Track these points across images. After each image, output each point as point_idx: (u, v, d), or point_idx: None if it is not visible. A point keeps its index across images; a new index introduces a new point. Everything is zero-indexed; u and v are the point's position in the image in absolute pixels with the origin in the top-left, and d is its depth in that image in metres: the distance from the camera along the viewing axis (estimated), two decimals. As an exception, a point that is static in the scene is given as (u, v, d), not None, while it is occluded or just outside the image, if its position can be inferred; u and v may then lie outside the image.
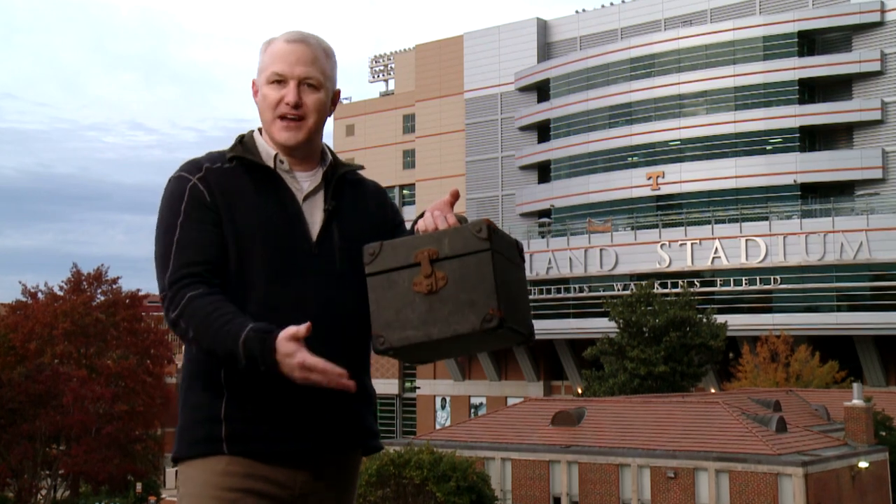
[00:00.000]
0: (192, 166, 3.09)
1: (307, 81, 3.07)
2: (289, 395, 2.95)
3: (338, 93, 3.20)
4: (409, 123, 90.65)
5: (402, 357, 2.92)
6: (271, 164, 3.10)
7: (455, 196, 2.93)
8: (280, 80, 3.06)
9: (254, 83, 3.15)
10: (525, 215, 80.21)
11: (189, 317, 2.89)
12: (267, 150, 3.12)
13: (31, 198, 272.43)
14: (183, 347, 3.12)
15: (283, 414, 2.97)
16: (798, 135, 67.32)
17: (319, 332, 2.90)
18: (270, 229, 3.01)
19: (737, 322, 61.93)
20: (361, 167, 3.30)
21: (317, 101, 3.08)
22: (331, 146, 3.36)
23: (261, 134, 3.17)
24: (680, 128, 70.54)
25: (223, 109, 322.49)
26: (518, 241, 2.98)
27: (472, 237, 2.77)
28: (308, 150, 3.14)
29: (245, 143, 3.14)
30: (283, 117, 3.07)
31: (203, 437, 2.99)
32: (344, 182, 3.19)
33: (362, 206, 3.20)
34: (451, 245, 2.78)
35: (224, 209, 3.01)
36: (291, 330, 2.77)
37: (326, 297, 3.03)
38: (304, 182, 3.12)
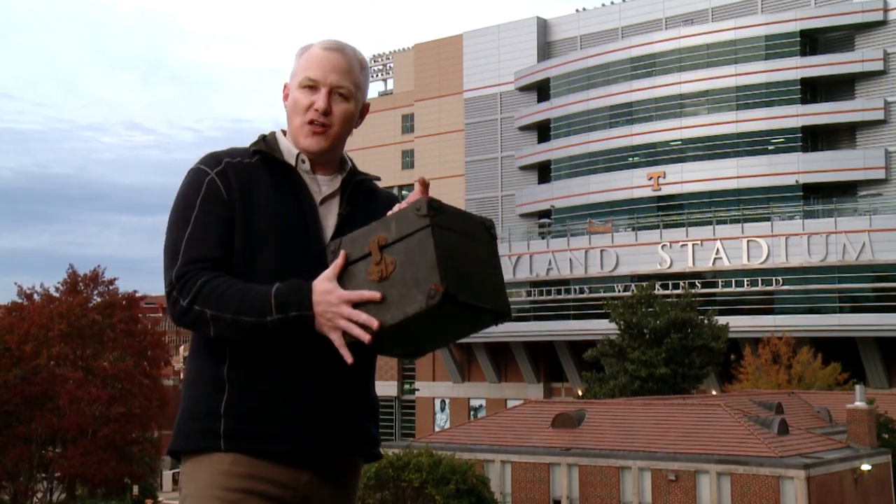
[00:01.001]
0: (212, 160, 3.09)
1: (339, 90, 3.08)
2: (290, 394, 2.96)
3: (367, 106, 3.21)
4: (407, 123, 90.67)
5: (371, 348, 2.86)
6: (293, 162, 3.11)
7: (424, 185, 2.88)
8: (312, 86, 3.08)
9: (285, 87, 3.17)
10: (525, 216, 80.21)
11: (206, 296, 2.86)
12: (289, 148, 3.13)
13: (28, 198, 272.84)
14: (181, 349, 2.88)
15: (284, 413, 2.96)
16: (800, 135, 67.37)
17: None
18: (286, 228, 3.02)
19: (738, 323, 61.80)
20: (378, 178, 3.31)
21: (345, 112, 3.10)
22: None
23: (284, 135, 3.18)
24: (681, 128, 70.53)
25: (221, 109, 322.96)
26: (488, 218, 2.93)
27: (413, 216, 2.76)
28: (329, 157, 3.15)
29: (268, 140, 3.16)
30: (311, 122, 3.07)
31: (199, 430, 2.98)
32: (359, 190, 3.20)
33: (374, 214, 3.11)
34: (397, 228, 2.78)
35: (240, 205, 3.02)
36: (327, 272, 2.83)
37: None
38: (322, 185, 3.14)
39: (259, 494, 2.95)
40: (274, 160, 3.09)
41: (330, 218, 3.10)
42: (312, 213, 3.07)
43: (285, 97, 3.15)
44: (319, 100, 3.05)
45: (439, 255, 2.69)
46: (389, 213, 2.88)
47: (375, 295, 2.75)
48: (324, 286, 2.80)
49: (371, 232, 2.82)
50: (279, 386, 2.95)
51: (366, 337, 2.74)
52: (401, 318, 2.71)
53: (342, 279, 2.83)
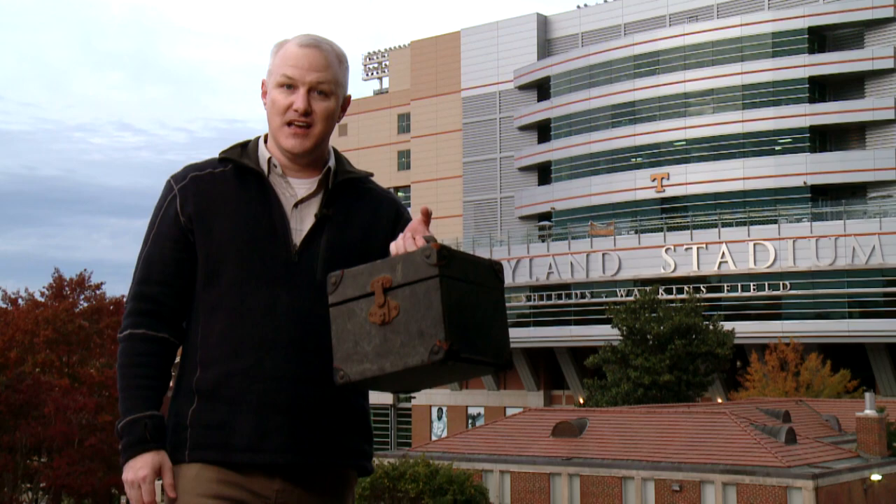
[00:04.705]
0: (181, 173, 3.17)
1: (318, 88, 3.07)
2: (254, 405, 2.99)
3: (348, 98, 3.21)
4: (404, 123, 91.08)
5: (366, 389, 2.95)
6: (263, 167, 3.11)
7: (426, 215, 2.88)
8: (290, 85, 3.07)
9: (263, 83, 3.17)
10: (524, 218, 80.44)
11: (121, 352, 3.10)
12: (263, 154, 3.14)
13: (14, 201, 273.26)
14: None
15: (245, 423, 2.99)
16: (808, 135, 67.32)
17: (292, 342, 3.00)
18: (249, 235, 3.03)
19: (744, 329, 61.58)
20: (370, 174, 3.28)
21: (326, 110, 3.09)
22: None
23: (265, 141, 3.19)
24: (685, 127, 70.60)
25: (214, 109, 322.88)
26: (496, 261, 2.89)
27: (422, 263, 2.73)
28: (313, 157, 3.15)
29: (245, 148, 3.17)
30: (290, 123, 3.07)
31: (170, 442, 3.05)
32: (346, 190, 3.18)
33: (360, 215, 3.16)
34: (403, 272, 2.75)
35: (200, 219, 3.08)
36: (167, 474, 3.03)
37: (303, 307, 3.03)
38: (298, 188, 3.13)
39: (229, 499, 2.99)
40: (242, 168, 3.10)
41: (306, 220, 3.08)
42: (280, 218, 3.06)
43: (263, 94, 3.15)
44: (298, 100, 3.04)
45: (445, 309, 2.67)
46: (393, 251, 2.83)
47: None
48: (148, 462, 2.97)
49: (374, 271, 2.79)
50: (245, 396, 2.98)
51: None
52: (400, 368, 2.72)
53: (342, 314, 2.81)
